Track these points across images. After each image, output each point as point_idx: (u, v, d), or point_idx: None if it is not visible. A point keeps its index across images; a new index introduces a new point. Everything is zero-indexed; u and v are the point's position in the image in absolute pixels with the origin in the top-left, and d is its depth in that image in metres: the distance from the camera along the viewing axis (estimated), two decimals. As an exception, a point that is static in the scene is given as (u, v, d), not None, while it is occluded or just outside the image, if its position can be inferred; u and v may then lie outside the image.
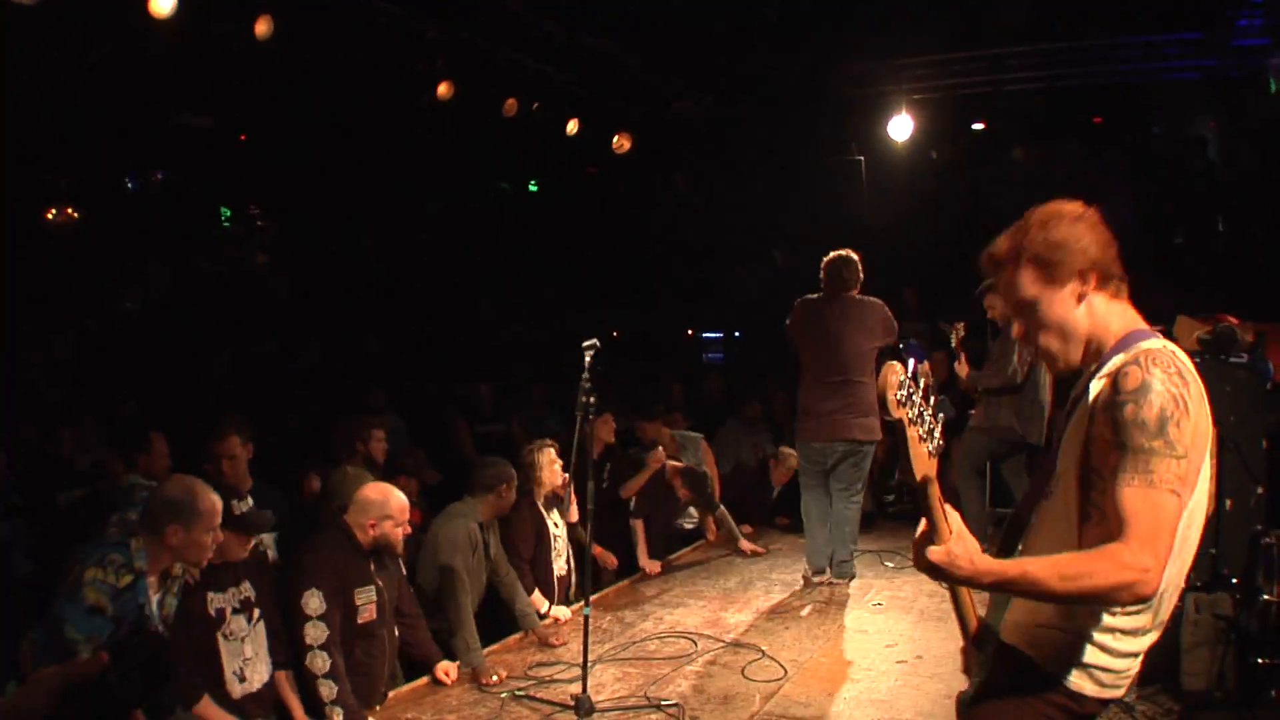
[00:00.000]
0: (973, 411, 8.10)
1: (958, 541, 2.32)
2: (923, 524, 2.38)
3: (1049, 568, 2.31)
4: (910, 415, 2.37)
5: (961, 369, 8.00)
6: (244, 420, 6.14)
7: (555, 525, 7.12)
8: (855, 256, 7.66)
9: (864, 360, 7.40)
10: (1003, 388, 7.62)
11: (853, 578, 7.71)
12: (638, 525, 8.26)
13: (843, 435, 7.39)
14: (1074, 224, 2.57)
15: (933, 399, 2.46)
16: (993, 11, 9.83)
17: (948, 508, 2.37)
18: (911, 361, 2.46)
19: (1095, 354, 2.58)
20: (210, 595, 4.70)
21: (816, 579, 7.72)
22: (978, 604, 2.71)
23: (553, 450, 7.09)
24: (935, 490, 2.36)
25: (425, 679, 5.78)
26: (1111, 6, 9.79)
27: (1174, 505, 2.32)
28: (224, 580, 4.77)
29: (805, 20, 10.16)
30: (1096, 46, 10.80)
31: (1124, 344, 2.52)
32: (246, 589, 4.87)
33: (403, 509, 5.41)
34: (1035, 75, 11.17)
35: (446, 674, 5.75)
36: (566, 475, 6.91)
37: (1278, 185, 12.04)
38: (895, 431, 2.42)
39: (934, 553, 2.32)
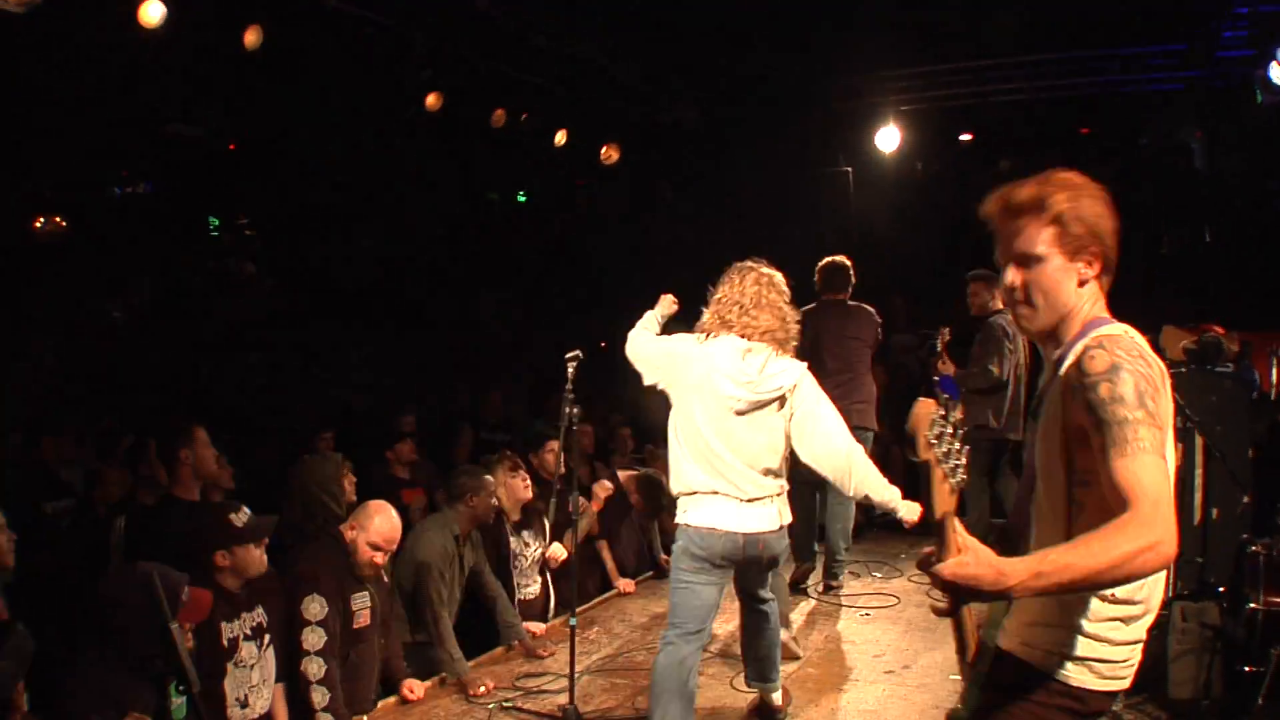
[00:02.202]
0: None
1: (970, 553, 2.24)
2: (927, 549, 2.30)
3: (1073, 549, 2.25)
4: (938, 455, 2.32)
5: (947, 368, 8.06)
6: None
7: (526, 545, 6.99)
8: (848, 262, 7.84)
9: (863, 356, 7.63)
10: (990, 387, 7.69)
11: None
12: (602, 547, 8.04)
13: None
14: (1102, 205, 2.58)
15: (962, 433, 2.39)
16: (979, 24, 9.88)
17: (962, 531, 2.30)
18: (946, 398, 2.40)
19: (1058, 339, 2.59)
20: (223, 625, 4.62)
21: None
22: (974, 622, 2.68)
23: (518, 468, 6.96)
24: (952, 524, 2.30)
25: (394, 698, 5.69)
26: (1097, 18, 9.83)
27: (1166, 468, 2.30)
28: (238, 607, 4.72)
29: (793, 33, 10.19)
30: (1082, 58, 10.86)
31: (1085, 331, 2.53)
32: (259, 614, 4.82)
33: (394, 533, 5.37)
34: (1021, 87, 11.22)
35: (411, 691, 5.67)
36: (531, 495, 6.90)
37: (1264, 195, 12.10)
38: (920, 470, 2.37)
39: (944, 569, 2.24)
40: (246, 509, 4.74)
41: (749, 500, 4.82)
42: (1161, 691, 5.51)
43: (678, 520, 4.97)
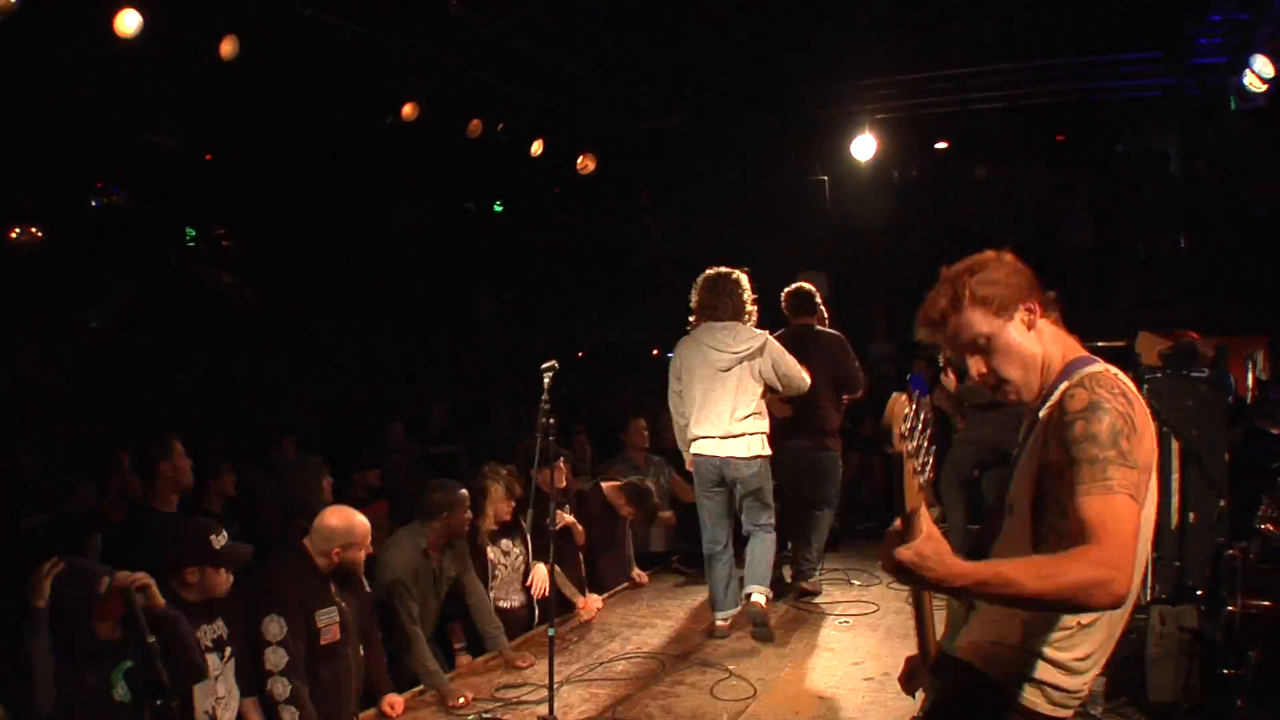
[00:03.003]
0: (957, 425, 8.23)
1: (928, 541, 2.27)
2: (896, 523, 2.34)
3: (1023, 567, 2.29)
4: (909, 449, 2.35)
5: (950, 382, 8.09)
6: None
7: (504, 555, 6.95)
8: (812, 287, 8.12)
9: (822, 384, 7.64)
10: (990, 403, 7.70)
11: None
12: (578, 559, 7.91)
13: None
14: (1000, 264, 2.66)
15: (930, 432, 2.43)
16: (955, 32, 9.93)
17: (929, 522, 2.33)
18: (917, 394, 2.43)
19: (1047, 379, 2.63)
20: None
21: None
22: (938, 630, 2.71)
23: (510, 480, 6.92)
24: (919, 520, 2.32)
25: (373, 710, 5.65)
26: (1073, 26, 9.88)
27: (1134, 509, 2.33)
28: (198, 618, 4.67)
29: (769, 41, 10.21)
30: (1058, 65, 10.91)
31: (1067, 371, 2.58)
32: (220, 626, 4.76)
33: (366, 533, 5.34)
34: (997, 95, 11.26)
35: (392, 707, 5.62)
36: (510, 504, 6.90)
37: (1239, 201, 12.19)
38: (892, 463, 2.41)
39: (903, 551, 2.27)
40: (225, 533, 4.72)
41: (724, 436, 6.85)
42: (1141, 694, 5.53)
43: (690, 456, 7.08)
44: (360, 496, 7.74)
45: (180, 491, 5.84)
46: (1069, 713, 2.61)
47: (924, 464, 2.37)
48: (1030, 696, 2.56)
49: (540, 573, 6.86)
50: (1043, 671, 2.55)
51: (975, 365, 2.68)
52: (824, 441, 7.82)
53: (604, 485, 8.21)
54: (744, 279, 7.08)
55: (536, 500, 6.08)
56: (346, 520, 5.30)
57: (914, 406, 2.36)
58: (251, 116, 10.22)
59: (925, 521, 2.31)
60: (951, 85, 11.28)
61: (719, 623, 7.01)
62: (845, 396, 7.96)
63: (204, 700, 4.59)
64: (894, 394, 2.39)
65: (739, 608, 7.05)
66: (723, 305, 6.96)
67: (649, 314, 15.15)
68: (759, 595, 6.92)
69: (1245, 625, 5.24)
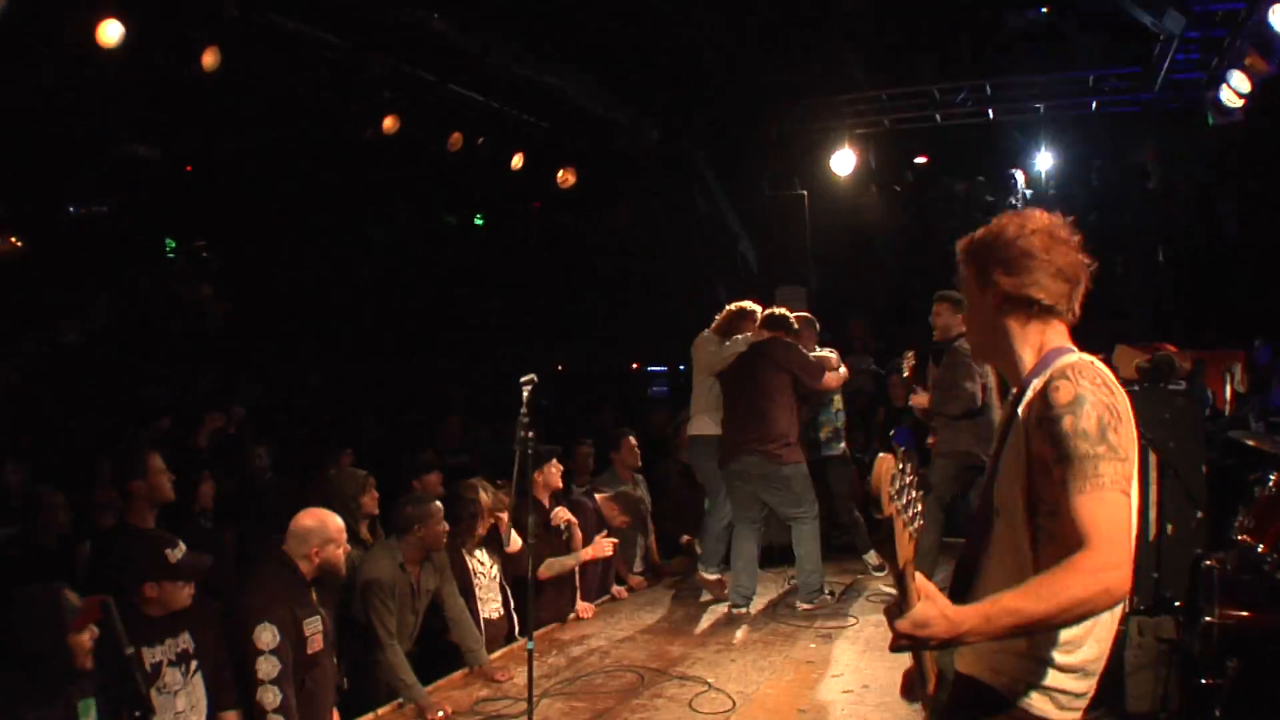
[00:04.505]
0: (930, 439, 8.14)
1: (925, 604, 2.24)
2: (893, 597, 2.30)
3: (1023, 594, 2.25)
4: (899, 507, 2.34)
5: (920, 400, 8.00)
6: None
7: (481, 564, 6.92)
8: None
9: (772, 393, 7.77)
10: (964, 413, 7.64)
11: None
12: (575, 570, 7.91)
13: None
14: (1003, 234, 2.64)
15: (915, 479, 2.41)
16: (933, 47, 10.00)
17: (920, 578, 2.29)
18: (903, 450, 2.41)
19: (1020, 373, 2.61)
20: (144, 651, 4.52)
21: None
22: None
23: (496, 492, 6.91)
24: (912, 571, 2.30)
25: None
26: (1050, 41, 9.97)
27: (1126, 504, 2.32)
28: (161, 633, 4.65)
29: (750, 57, 10.26)
30: (1036, 81, 10.99)
31: (1045, 361, 2.55)
32: (185, 640, 4.72)
33: (340, 529, 5.33)
34: (976, 110, 11.32)
35: None
36: (500, 515, 6.90)
37: (1217, 216, 12.28)
38: (881, 527, 2.40)
39: (901, 624, 2.24)
40: (183, 545, 4.69)
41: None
42: (1119, 705, 5.52)
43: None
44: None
45: (158, 505, 5.80)
46: (1077, 715, 2.57)
47: (912, 515, 2.35)
48: (1039, 704, 2.52)
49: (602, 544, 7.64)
50: (1052, 679, 2.51)
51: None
52: (777, 453, 7.64)
53: (598, 496, 8.25)
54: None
55: (520, 508, 6.08)
56: (318, 518, 5.29)
57: (900, 465, 2.36)
58: (232, 129, 10.22)
59: (920, 581, 2.27)
60: (929, 100, 11.33)
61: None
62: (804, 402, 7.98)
63: (162, 715, 4.53)
64: (880, 455, 2.39)
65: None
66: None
67: (626, 329, 15.20)
68: (710, 574, 8.14)
69: (1223, 636, 5.26)
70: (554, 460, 7.65)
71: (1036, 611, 2.22)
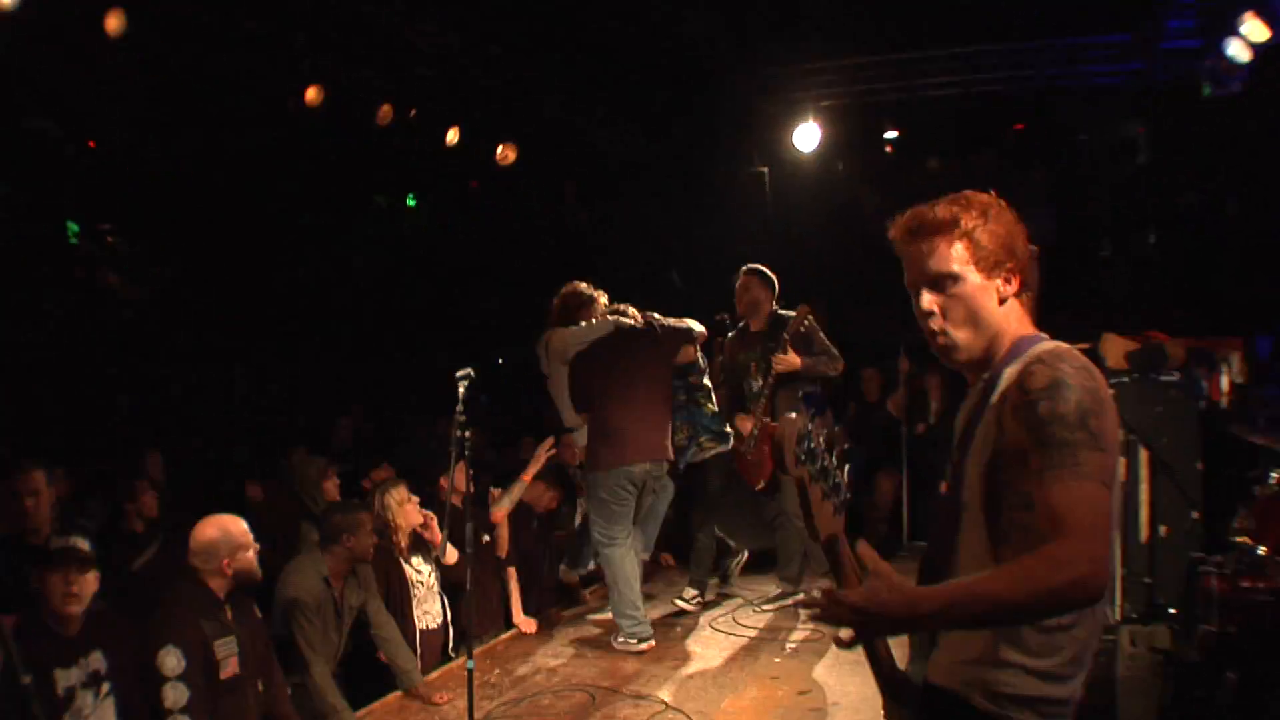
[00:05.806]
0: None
1: (876, 577, 2.21)
2: (823, 587, 2.29)
3: (991, 579, 2.25)
4: (811, 472, 2.32)
5: (790, 359, 7.87)
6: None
7: (418, 573, 6.92)
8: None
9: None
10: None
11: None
12: (510, 574, 7.88)
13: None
14: (1014, 222, 2.63)
15: (836, 450, 2.40)
16: (905, 13, 9.97)
17: (863, 555, 2.28)
18: (812, 412, 2.40)
19: (986, 363, 2.61)
20: (57, 673, 4.47)
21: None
22: (896, 658, 2.65)
23: (401, 489, 6.90)
24: (843, 547, 2.28)
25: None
26: (1033, 7, 9.96)
27: (1105, 496, 2.31)
28: (73, 652, 4.56)
29: (706, 24, 10.19)
30: (1017, 49, 10.99)
31: (1017, 349, 2.55)
32: (96, 660, 4.65)
33: (244, 531, 5.28)
34: (952, 80, 11.32)
35: None
36: (428, 514, 6.85)
37: (1211, 195, 12.35)
38: (798, 489, 2.37)
39: (851, 595, 2.21)
40: (73, 538, 4.65)
41: None
42: (1111, 718, 5.56)
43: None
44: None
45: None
46: None
47: (835, 485, 2.33)
48: (1020, 718, 2.51)
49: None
50: (1028, 686, 2.49)
51: (927, 301, 2.62)
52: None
53: (525, 477, 8.00)
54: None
55: (453, 513, 6.05)
56: (219, 526, 5.24)
57: (809, 426, 2.34)
58: (139, 100, 10.05)
59: (864, 550, 2.25)
60: (901, 70, 11.31)
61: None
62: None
63: None
64: (784, 415, 2.37)
65: None
66: None
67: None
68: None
69: (1221, 646, 5.29)
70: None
71: (1003, 598, 2.20)
